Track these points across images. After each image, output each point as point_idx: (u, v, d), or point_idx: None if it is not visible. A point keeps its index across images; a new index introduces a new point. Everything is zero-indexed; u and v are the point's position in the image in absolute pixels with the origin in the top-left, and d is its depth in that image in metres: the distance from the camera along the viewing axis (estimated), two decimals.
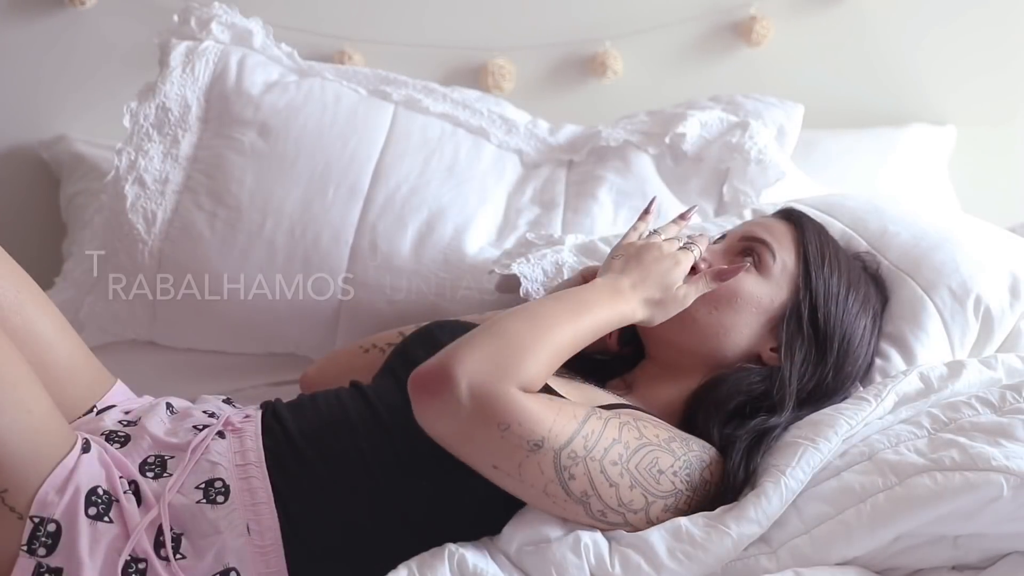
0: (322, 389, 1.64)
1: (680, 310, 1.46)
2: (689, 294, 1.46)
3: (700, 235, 1.60)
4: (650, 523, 1.34)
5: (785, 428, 1.45)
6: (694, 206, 1.63)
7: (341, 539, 1.39)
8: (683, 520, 1.33)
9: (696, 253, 1.49)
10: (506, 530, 1.36)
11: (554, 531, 1.33)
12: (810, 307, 1.52)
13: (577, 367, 1.62)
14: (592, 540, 1.31)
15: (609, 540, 1.33)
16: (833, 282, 1.54)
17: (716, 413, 1.46)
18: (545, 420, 1.29)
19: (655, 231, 1.53)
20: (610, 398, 1.47)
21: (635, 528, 1.34)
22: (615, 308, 1.41)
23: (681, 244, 1.49)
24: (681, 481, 1.35)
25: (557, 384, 1.43)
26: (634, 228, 1.54)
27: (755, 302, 1.52)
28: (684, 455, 1.37)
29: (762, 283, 1.54)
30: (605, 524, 1.33)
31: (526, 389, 1.30)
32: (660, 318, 1.45)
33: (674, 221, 1.56)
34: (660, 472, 1.34)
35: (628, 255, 1.47)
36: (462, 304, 1.88)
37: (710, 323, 1.52)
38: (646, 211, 1.58)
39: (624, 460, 1.32)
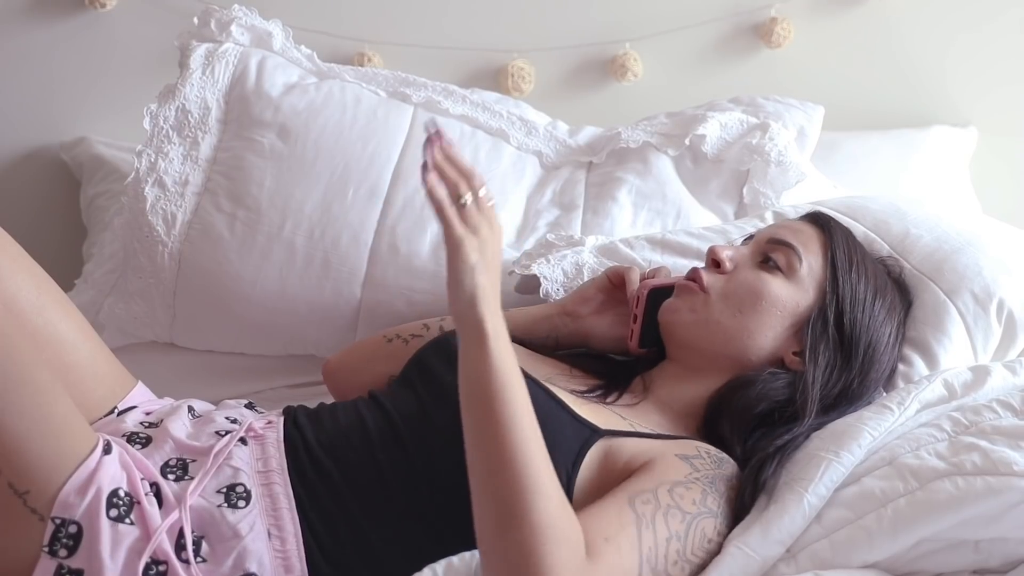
0: (344, 378, 1.65)
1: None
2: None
3: (660, 267, 1.65)
4: None
5: (807, 436, 1.44)
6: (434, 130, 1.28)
7: (361, 545, 1.40)
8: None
9: (467, 200, 1.25)
10: None
11: None
12: (836, 312, 1.52)
13: (595, 368, 1.62)
14: None
15: None
16: (860, 288, 1.53)
17: (741, 422, 1.45)
18: (617, 569, 1.24)
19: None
20: (624, 424, 1.45)
21: None
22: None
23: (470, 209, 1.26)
24: (721, 534, 1.34)
25: (571, 402, 1.43)
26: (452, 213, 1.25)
27: (780, 305, 1.52)
28: (718, 508, 1.35)
29: (788, 286, 1.53)
30: None
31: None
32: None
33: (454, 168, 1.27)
34: (709, 540, 1.32)
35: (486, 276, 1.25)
36: None
37: (734, 325, 1.52)
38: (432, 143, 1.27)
39: (681, 552, 1.29)
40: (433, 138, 1.25)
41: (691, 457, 1.38)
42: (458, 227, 1.23)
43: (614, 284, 1.67)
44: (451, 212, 1.23)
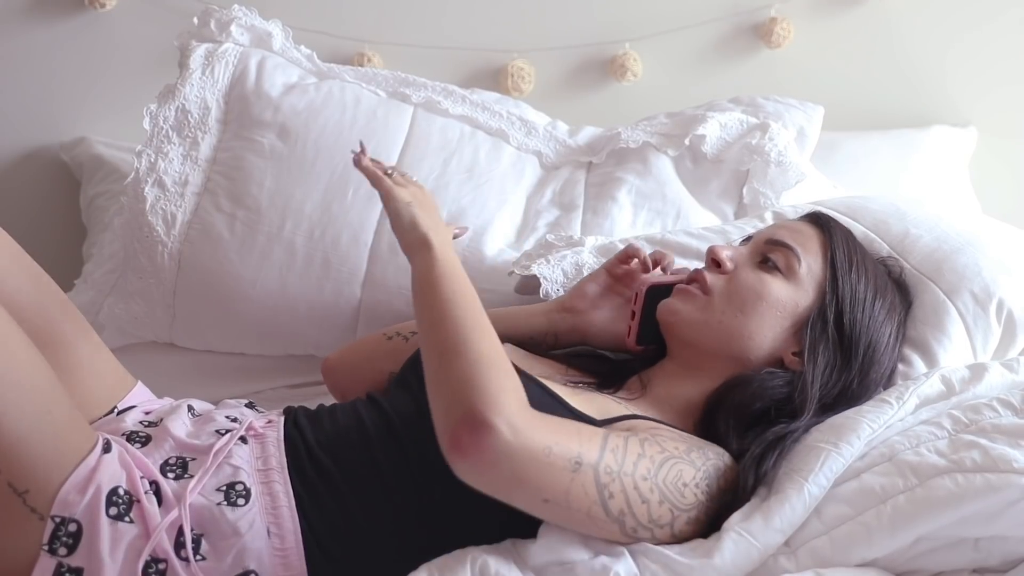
0: (343, 375, 1.67)
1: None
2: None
3: (664, 254, 1.65)
4: (673, 536, 1.33)
5: (806, 430, 1.44)
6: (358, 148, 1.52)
7: (360, 544, 1.40)
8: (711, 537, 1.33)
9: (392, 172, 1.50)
10: (532, 548, 1.34)
11: (579, 554, 1.31)
12: (836, 312, 1.51)
13: (593, 367, 1.62)
14: (625, 570, 1.29)
15: (636, 558, 1.31)
16: (860, 288, 1.53)
17: (736, 418, 1.45)
18: (572, 436, 1.28)
19: (391, 170, 1.50)
20: (621, 408, 1.46)
21: (660, 543, 1.32)
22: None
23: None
24: (702, 492, 1.34)
25: (567, 395, 1.43)
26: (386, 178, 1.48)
27: (780, 306, 1.52)
28: (703, 465, 1.36)
29: (787, 286, 1.53)
30: (634, 540, 1.32)
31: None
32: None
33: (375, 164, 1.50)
34: (684, 485, 1.33)
35: (423, 210, 1.44)
36: None
37: (734, 324, 1.52)
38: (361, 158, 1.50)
39: (652, 474, 1.31)
40: (359, 154, 1.49)
41: (684, 434, 1.41)
42: (387, 180, 1.46)
43: (613, 277, 1.67)
44: (380, 174, 1.46)
